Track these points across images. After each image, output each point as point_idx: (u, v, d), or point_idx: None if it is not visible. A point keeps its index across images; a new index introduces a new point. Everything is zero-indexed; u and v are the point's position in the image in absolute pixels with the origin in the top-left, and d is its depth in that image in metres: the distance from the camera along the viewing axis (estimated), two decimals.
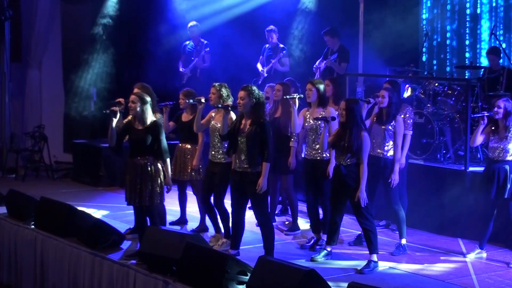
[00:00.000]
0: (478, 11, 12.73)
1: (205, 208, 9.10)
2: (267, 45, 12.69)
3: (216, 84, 8.79)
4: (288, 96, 8.84)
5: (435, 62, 13.35)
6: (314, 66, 12.22)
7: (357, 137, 7.86)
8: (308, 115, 8.70)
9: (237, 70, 12.71)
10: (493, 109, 8.41)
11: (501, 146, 8.31)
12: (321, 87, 8.68)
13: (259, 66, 12.70)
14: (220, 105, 8.40)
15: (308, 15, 13.56)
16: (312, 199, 8.75)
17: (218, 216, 8.84)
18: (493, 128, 8.42)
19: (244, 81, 9.70)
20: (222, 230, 8.85)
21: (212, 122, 8.75)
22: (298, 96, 8.75)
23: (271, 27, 12.60)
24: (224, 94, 8.67)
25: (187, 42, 13.35)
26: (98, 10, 14.46)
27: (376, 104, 8.72)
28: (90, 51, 14.43)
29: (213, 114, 8.83)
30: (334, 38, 12.04)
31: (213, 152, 8.74)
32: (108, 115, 8.09)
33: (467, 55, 12.86)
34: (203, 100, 8.63)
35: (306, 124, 8.71)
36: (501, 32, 12.37)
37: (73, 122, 14.85)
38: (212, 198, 8.85)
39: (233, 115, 8.41)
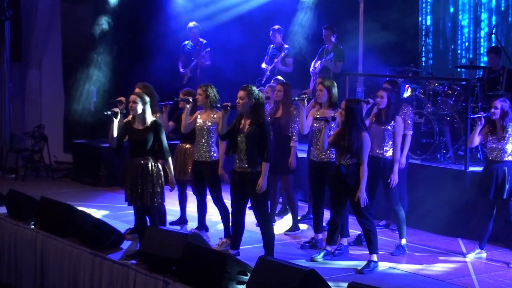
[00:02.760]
0: (478, 12, 12.74)
1: (199, 207, 9.21)
2: (272, 45, 12.69)
3: (202, 85, 8.87)
4: (296, 98, 8.81)
5: (434, 62, 13.36)
6: (311, 69, 12.21)
7: (357, 137, 7.84)
8: (318, 116, 8.59)
9: (237, 69, 12.70)
10: (490, 109, 8.41)
11: (499, 147, 8.30)
12: (332, 88, 8.62)
13: (263, 65, 12.71)
14: (219, 105, 8.41)
15: (308, 15, 13.56)
16: (319, 201, 8.72)
17: (220, 216, 8.88)
18: (490, 128, 8.42)
19: (244, 80, 9.70)
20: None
21: (199, 121, 8.79)
22: (307, 97, 8.74)
23: (276, 26, 12.58)
24: (210, 94, 8.76)
25: (186, 42, 13.33)
26: (98, 10, 14.46)
27: (375, 105, 8.71)
28: (90, 51, 14.42)
29: (199, 115, 8.87)
30: (334, 35, 12.05)
31: (199, 152, 8.79)
32: (109, 116, 8.07)
33: (467, 56, 12.87)
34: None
35: (315, 125, 8.64)
36: (501, 32, 12.39)
37: (73, 122, 14.84)
38: (206, 197, 8.96)
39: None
